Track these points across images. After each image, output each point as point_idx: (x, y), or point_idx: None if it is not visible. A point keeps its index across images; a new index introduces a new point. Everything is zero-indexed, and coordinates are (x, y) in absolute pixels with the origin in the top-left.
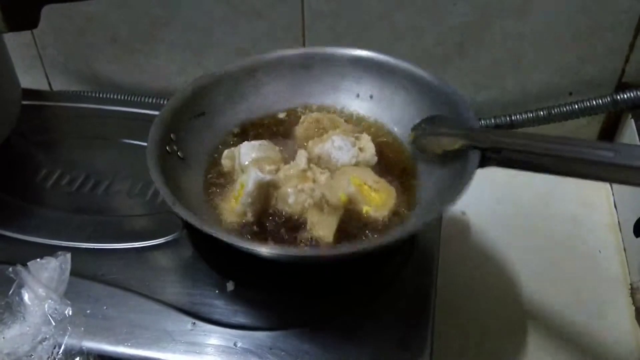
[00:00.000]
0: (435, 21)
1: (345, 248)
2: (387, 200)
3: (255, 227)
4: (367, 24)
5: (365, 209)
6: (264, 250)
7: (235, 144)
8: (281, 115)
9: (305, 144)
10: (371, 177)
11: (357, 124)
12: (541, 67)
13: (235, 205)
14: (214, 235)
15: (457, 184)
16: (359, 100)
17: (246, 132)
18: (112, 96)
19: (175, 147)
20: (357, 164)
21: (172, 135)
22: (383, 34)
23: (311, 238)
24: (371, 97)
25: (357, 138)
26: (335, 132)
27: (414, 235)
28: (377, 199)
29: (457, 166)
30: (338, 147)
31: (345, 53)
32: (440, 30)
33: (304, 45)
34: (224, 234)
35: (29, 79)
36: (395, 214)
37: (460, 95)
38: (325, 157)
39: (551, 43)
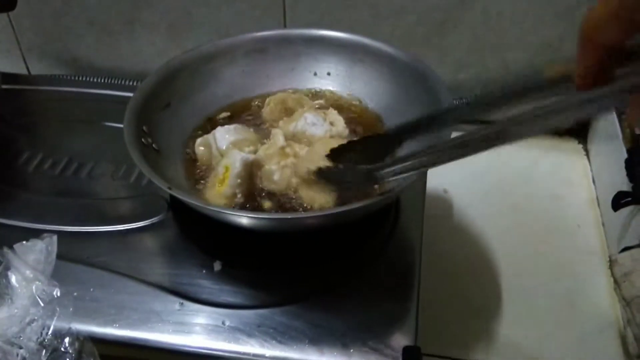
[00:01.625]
0: (416, 0)
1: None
2: None
3: (247, 206)
4: (348, 4)
5: None
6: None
7: (206, 133)
8: (243, 101)
9: (274, 124)
10: None
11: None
12: (522, 46)
13: (221, 188)
14: (226, 214)
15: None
16: (318, 78)
17: (213, 119)
18: (91, 79)
19: (149, 140)
20: (331, 138)
21: (144, 128)
22: (364, 14)
23: (311, 208)
24: (329, 74)
25: (325, 114)
26: (305, 110)
27: (398, 210)
28: None
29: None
30: (311, 123)
31: (297, 33)
32: (421, 9)
33: (284, 25)
34: (244, 211)
35: (6, 62)
36: None
37: (420, 60)
38: (300, 134)
39: (532, 21)
